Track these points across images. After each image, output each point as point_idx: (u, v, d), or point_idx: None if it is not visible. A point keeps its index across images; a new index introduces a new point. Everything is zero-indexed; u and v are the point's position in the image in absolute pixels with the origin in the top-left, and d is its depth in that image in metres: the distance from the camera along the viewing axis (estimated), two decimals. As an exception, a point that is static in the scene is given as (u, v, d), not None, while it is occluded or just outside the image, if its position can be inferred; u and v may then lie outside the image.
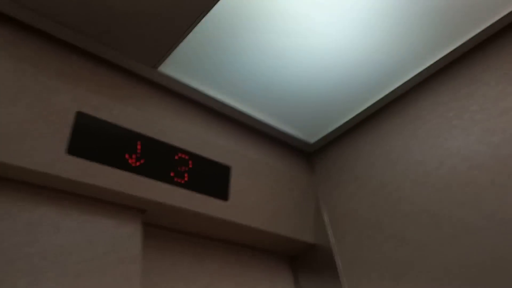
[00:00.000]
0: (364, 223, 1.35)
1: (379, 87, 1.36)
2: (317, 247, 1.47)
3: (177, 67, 1.23)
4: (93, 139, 1.04)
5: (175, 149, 1.20)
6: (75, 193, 1.03)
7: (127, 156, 1.08)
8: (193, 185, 1.20)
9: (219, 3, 1.06)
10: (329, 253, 1.42)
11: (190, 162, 1.22)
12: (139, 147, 1.12)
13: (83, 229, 1.01)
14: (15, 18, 1.02)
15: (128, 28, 1.08)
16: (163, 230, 1.24)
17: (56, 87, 1.01)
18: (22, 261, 0.88)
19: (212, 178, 1.25)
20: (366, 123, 1.48)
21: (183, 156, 1.21)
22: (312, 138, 1.58)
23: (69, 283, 0.92)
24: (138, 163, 1.10)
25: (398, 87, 1.35)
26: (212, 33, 1.15)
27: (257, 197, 1.35)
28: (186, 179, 1.19)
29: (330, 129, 1.53)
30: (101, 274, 0.98)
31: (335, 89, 1.35)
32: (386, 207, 1.31)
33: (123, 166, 1.07)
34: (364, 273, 1.30)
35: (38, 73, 1.00)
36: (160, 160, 1.15)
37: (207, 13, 1.07)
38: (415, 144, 1.30)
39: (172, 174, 1.16)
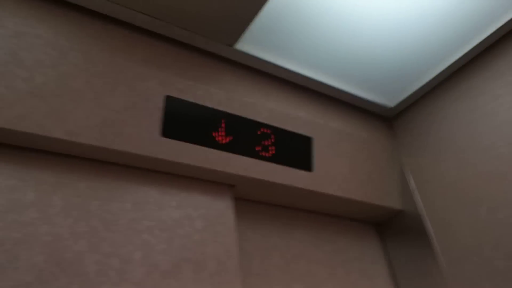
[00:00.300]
0: (453, 186, 1.30)
1: (461, 42, 1.27)
2: (404, 213, 1.44)
3: (253, 43, 1.24)
4: (183, 121, 1.09)
5: (257, 124, 1.22)
6: (171, 173, 1.10)
7: (214, 134, 1.13)
8: (278, 158, 1.22)
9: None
10: (418, 218, 1.39)
11: (272, 136, 1.24)
12: (223, 125, 1.16)
13: (182, 206, 1.07)
14: (104, 13, 1.08)
15: (204, 9, 1.10)
16: (253, 203, 1.29)
17: (144, 74, 1.07)
18: (134, 237, 0.97)
19: (295, 150, 1.27)
20: (448, 82, 1.40)
21: (265, 130, 1.23)
22: (392, 102, 1.53)
23: (176, 255, 0.99)
24: (225, 141, 1.14)
25: (484, 40, 1.26)
26: (285, 5, 1.14)
27: (340, 166, 1.34)
28: (270, 152, 1.22)
29: (410, 92, 1.47)
30: (202, 246, 1.04)
31: (412, 50, 1.29)
32: (478, 168, 1.25)
33: (212, 144, 1.12)
34: (458, 237, 1.26)
35: (128, 63, 1.06)
36: (245, 136, 1.19)
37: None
38: (506, 99, 1.21)
39: (257, 148, 1.19)
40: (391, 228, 1.50)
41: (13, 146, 0.92)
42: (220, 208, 1.14)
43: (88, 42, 1.03)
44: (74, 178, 0.96)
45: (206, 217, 1.09)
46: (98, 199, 0.97)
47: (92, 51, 1.01)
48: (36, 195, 0.90)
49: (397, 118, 1.58)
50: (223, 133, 1.15)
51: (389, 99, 1.51)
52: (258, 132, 1.22)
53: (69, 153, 0.97)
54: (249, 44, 1.25)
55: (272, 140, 1.23)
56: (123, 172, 1.03)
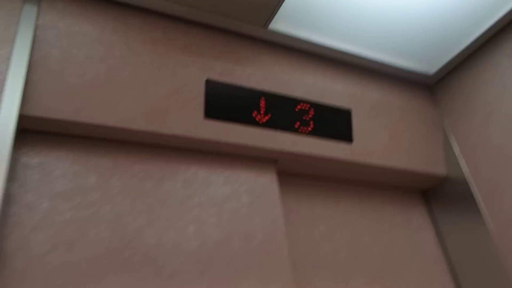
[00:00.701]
0: (500, 149, 1.28)
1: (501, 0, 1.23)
2: (450, 179, 1.44)
3: (286, 22, 1.27)
4: (224, 102, 1.15)
5: (295, 100, 1.26)
6: (217, 152, 1.17)
7: (254, 113, 1.18)
8: (318, 132, 1.26)
9: None
10: (464, 184, 1.38)
11: (311, 110, 1.27)
12: (263, 103, 1.21)
13: (229, 183, 1.15)
14: (144, 7, 1.15)
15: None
16: (296, 177, 1.34)
17: (185, 60, 1.14)
18: (186, 212, 1.05)
19: (334, 123, 1.30)
20: (490, 44, 1.37)
21: (304, 106, 1.27)
22: (432, 69, 1.51)
23: (226, 227, 1.07)
24: (265, 118, 1.19)
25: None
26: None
27: (381, 136, 1.36)
28: (310, 127, 1.25)
29: (450, 57, 1.45)
30: (250, 219, 1.11)
31: (450, 13, 1.27)
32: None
33: (253, 122, 1.17)
34: (505, 201, 1.25)
35: (169, 51, 1.13)
36: (284, 112, 1.23)
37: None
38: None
39: (296, 124, 1.23)
40: (437, 194, 1.51)
41: (74, 136, 1.02)
42: (265, 183, 1.20)
43: (131, 36, 1.10)
44: (129, 162, 1.05)
45: (251, 192, 1.16)
46: (152, 179, 1.06)
47: (135, 44, 1.09)
48: (97, 179, 1.00)
49: (438, 84, 1.56)
50: (263, 111, 1.20)
51: (428, 66, 1.49)
52: (297, 108, 1.26)
53: (123, 139, 1.06)
54: (282, 23, 1.28)
55: (311, 115, 1.27)
56: (173, 154, 1.11)
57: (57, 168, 0.96)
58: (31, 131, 0.96)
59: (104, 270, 0.90)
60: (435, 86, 1.57)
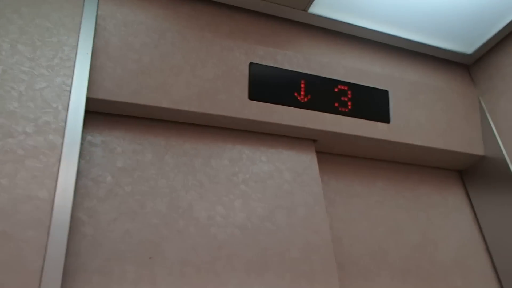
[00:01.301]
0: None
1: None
2: (488, 159, 1.46)
3: (325, 5, 1.31)
4: (266, 84, 1.22)
5: (334, 82, 1.31)
6: (260, 132, 1.24)
7: (296, 94, 1.24)
8: (356, 112, 1.31)
9: None
10: (503, 163, 1.40)
11: (349, 91, 1.32)
12: (303, 85, 1.26)
13: (271, 161, 1.21)
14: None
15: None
16: (335, 156, 1.40)
17: (230, 45, 1.20)
18: (233, 188, 1.13)
19: (372, 103, 1.34)
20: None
21: (342, 87, 1.31)
22: (469, 49, 1.52)
23: (270, 202, 1.14)
24: (305, 99, 1.25)
25: None
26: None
27: (418, 116, 1.39)
28: (349, 107, 1.30)
29: (488, 37, 1.45)
30: (292, 194, 1.18)
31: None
32: None
33: (294, 103, 1.23)
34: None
35: (215, 37, 1.20)
36: (323, 93, 1.28)
37: None
38: None
39: (336, 104, 1.28)
40: (475, 174, 1.52)
41: (132, 117, 1.11)
42: (305, 161, 1.26)
43: (180, 23, 1.18)
44: (180, 141, 1.14)
45: (293, 169, 1.23)
46: (201, 157, 1.14)
47: (185, 30, 1.16)
48: (152, 156, 1.09)
49: (476, 64, 1.56)
50: (303, 93, 1.25)
51: (466, 46, 1.50)
52: (336, 89, 1.30)
53: (175, 119, 1.14)
54: (322, 6, 1.32)
55: (349, 96, 1.31)
56: (220, 134, 1.19)
57: (118, 146, 1.06)
58: (94, 113, 1.06)
59: (162, 238, 0.99)
60: (473, 66, 1.58)
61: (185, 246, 1.00)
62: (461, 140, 1.43)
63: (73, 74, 0.94)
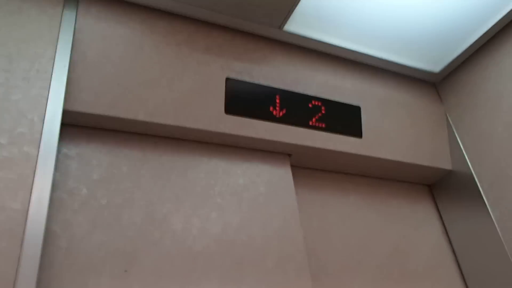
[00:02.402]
0: (503, 143, 1.36)
1: (503, 0, 1.31)
2: (455, 173, 1.51)
3: (300, 24, 1.35)
4: (242, 99, 1.24)
5: (308, 98, 1.35)
6: (236, 146, 1.26)
7: (271, 108, 1.27)
8: (329, 127, 1.35)
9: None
10: (469, 178, 1.45)
11: (323, 107, 1.36)
12: (278, 100, 1.30)
13: (247, 174, 1.24)
14: (168, 10, 1.24)
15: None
16: (309, 171, 1.43)
17: (207, 60, 1.23)
18: (209, 200, 1.14)
19: (345, 119, 1.38)
20: (492, 42, 1.44)
21: (316, 102, 1.35)
22: (437, 67, 1.59)
23: (245, 214, 1.16)
24: (281, 114, 1.28)
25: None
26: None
27: (389, 131, 1.44)
28: (322, 122, 1.34)
29: (454, 55, 1.52)
30: (267, 207, 1.20)
31: (454, 14, 1.34)
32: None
33: (269, 117, 1.26)
34: (509, 194, 1.32)
35: (192, 52, 1.22)
36: (298, 109, 1.32)
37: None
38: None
39: (309, 119, 1.32)
40: (443, 188, 1.58)
41: (108, 130, 1.11)
42: (280, 175, 1.28)
43: (158, 38, 1.19)
44: (156, 153, 1.15)
45: (268, 182, 1.25)
46: (177, 169, 1.15)
47: (162, 45, 1.18)
48: (128, 168, 1.09)
49: (443, 82, 1.64)
50: (278, 107, 1.29)
51: (434, 65, 1.57)
52: (310, 105, 1.34)
53: (151, 133, 1.15)
54: (296, 24, 1.36)
55: (323, 111, 1.36)
56: (196, 147, 1.21)
57: (93, 158, 1.06)
58: (70, 125, 1.06)
59: (137, 250, 0.99)
60: (440, 83, 1.65)
61: (160, 258, 1.00)
62: (429, 154, 1.49)
63: (49, 86, 0.94)
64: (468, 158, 1.47)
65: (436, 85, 1.67)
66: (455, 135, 1.53)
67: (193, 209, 1.11)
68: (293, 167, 1.36)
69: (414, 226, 1.50)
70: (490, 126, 1.41)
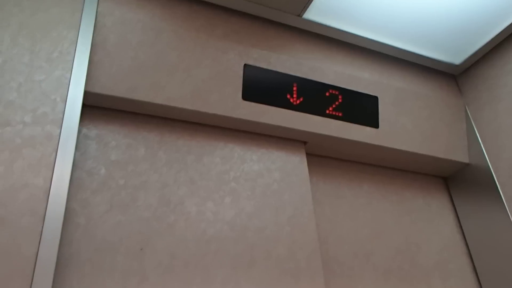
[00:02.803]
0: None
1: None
2: (472, 166, 1.50)
3: (319, 12, 1.35)
4: (259, 86, 1.25)
5: (326, 86, 1.35)
6: (252, 132, 1.27)
7: (288, 96, 1.27)
8: (346, 117, 1.34)
9: None
10: (486, 171, 1.44)
11: (340, 96, 1.36)
12: (295, 88, 1.30)
13: (262, 160, 1.25)
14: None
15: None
16: (324, 159, 1.43)
17: (225, 47, 1.24)
18: (223, 185, 1.16)
19: (362, 109, 1.38)
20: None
21: (333, 91, 1.35)
22: (458, 60, 1.57)
23: (258, 200, 1.17)
24: (298, 101, 1.28)
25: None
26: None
27: (406, 122, 1.43)
28: (339, 111, 1.34)
29: (475, 48, 1.50)
30: (280, 194, 1.21)
31: (477, 5, 1.32)
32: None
33: (286, 105, 1.27)
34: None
35: (210, 38, 1.23)
36: (315, 97, 1.32)
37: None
38: None
39: (327, 108, 1.32)
40: (459, 181, 1.57)
41: (127, 112, 1.14)
42: (295, 162, 1.29)
43: (177, 23, 1.21)
44: (173, 137, 1.17)
45: (282, 169, 1.26)
46: (193, 154, 1.17)
47: (180, 30, 1.19)
48: (146, 151, 1.11)
49: (464, 74, 1.61)
50: (296, 95, 1.29)
51: (454, 57, 1.55)
52: (327, 93, 1.34)
53: (169, 116, 1.17)
54: (316, 13, 1.35)
55: (340, 100, 1.35)
56: (212, 132, 1.22)
57: (112, 139, 1.09)
58: (90, 106, 1.08)
59: (152, 231, 1.02)
60: (460, 76, 1.63)
61: (175, 239, 1.03)
62: (446, 147, 1.47)
63: (72, 68, 0.96)
64: (486, 151, 1.45)
65: (456, 77, 1.64)
66: (473, 128, 1.51)
67: (208, 193, 1.13)
68: (308, 155, 1.36)
69: (427, 218, 1.50)
70: (509, 120, 1.39)
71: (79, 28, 1.01)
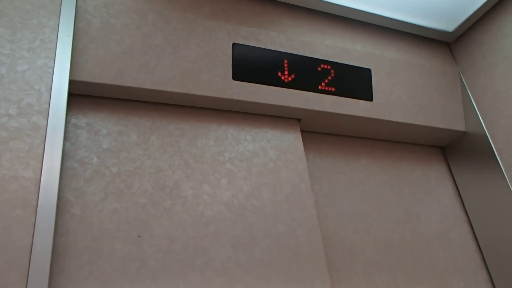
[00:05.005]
0: (519, 103, 1.33)
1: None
2: (469, 135, 1.49)
3: (307, -16, 1.32)
4: (250, 64, 1.23)
5: (317, 61, 1.32)
6: (245, 112, 1.25)
7: (279, 73, 1.25)
8: (339, 91, 1.33)
9: None
10: (483, 139, 1.43)
11: (332, 70, 1.34)
12: (286, 64, 1.28)
13: (256, 140, 1.23)
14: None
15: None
16: (319, 135, 1.42)
17: (213, 26, 1.21)
18: (219, 167, 1.15)
19: (355, 82, 1.36)
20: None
21: (325, 66, 1.33)
22: (451, 27, 1.54)
23: (255, 180, 1.16)
24: (289, 78, 1.26)
25: None
26: None
27: (401, 93, 1.41)
28: (331, 86, 1.32)
29: (468, 14, 1.47)
30: (277, 172, 1.20)
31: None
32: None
33: (278, 82, 1.25)
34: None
35: (197, 18, 1.20)
36: (307, 73, 1.30)
37: None
38: None
39: (319, 83, 1.30)
40: (457, 150, 1.56)
41: (116, 99, 1.12)
42: (290, 140, 1.28)
43: (162, 4, 1.18)
44: (165, 121, 1.15)
45: (278, 148, 1.25)
46: (186, 137, 1.15)
47: (166, 11, 1.16)
48: (138, 137, 1.10)
49: (457, 41, 1.59)
50: (287, 72, 1.27)
51: (447, 24, 1.52)
52: (319, 68, 1.32)
53: (159, 101, 1.15)
54: (303, -14, 1.33)
55: (332, 75, 1.33)
56: (204, 114, 1.20)
57: (103, 127, 1.07)
58: (78, 95, 1.06)
59: (149, 217, 1.01)
60: (454, 43, 1.60)
61: (172, 224, 1.02)
62: (442, 116, 1.46)
63: (55, 56, 0.94)
64: (483, 119, 1.44)
65: (449, 45, 1.62)
66: (469, 96, 1.50)
67: (203, 176, 1.12)
68: (303, 132, 1.35)
69: (426, 189, 1.49)
70: (505, 86, 1.37)
71: (60, 14, 0.98)
